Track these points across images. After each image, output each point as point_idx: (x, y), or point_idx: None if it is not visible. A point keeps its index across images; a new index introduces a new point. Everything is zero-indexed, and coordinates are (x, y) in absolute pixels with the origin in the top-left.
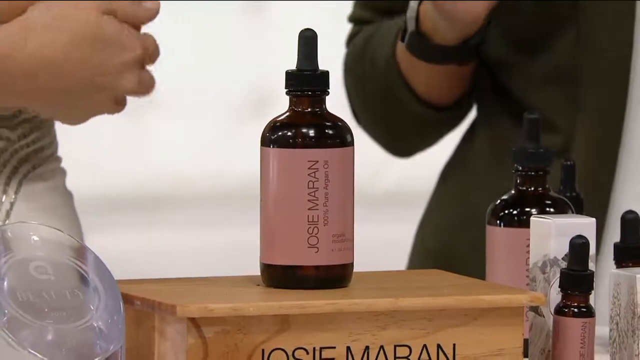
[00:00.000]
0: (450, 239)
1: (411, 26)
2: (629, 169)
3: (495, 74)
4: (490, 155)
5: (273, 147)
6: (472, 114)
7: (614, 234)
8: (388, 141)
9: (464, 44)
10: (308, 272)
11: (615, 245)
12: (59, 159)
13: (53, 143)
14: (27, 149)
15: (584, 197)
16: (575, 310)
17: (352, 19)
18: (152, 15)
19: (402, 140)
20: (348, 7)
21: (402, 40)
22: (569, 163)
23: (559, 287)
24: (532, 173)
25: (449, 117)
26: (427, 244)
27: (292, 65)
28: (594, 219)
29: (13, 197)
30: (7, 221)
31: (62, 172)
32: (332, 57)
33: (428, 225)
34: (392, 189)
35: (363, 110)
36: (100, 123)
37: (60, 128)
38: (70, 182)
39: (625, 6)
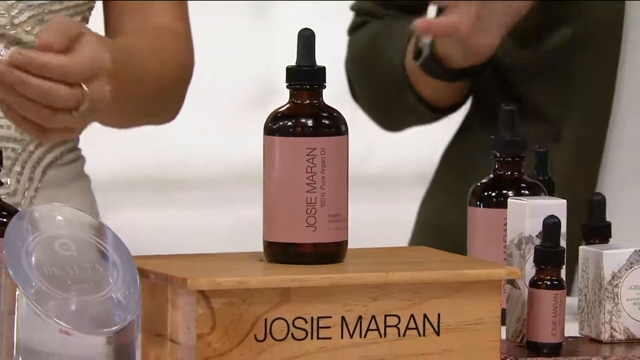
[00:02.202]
0: (448, 217)
1: (426, 51)
2: (615, 157)
3: (495, 65)
4: (486, 142)
5: (275, 135)
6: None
7: None
8: (384, 122)
9: (472, 67)
10: (306, 249)
11: (583, 225)
12: (79, 149)
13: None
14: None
15: (572, 181)
16: (548, 283)
17: (355, 8)
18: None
19: (399, 123)
20: (344, 9)
21: (415, 58)
22: (541, 150)
23: (533, 262)
24: (509, 159)
25: (449, 113)
26: (427, 220)
27: (293, 61)
28: (564, 201)
29: (37, 184)
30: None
31: (82, 160)
32: (329, 54)
33: (429, 203)
34: (381, 172)
35: (365, 97)
36: None
37: None
38: (91, 165)
39: (616, 7)
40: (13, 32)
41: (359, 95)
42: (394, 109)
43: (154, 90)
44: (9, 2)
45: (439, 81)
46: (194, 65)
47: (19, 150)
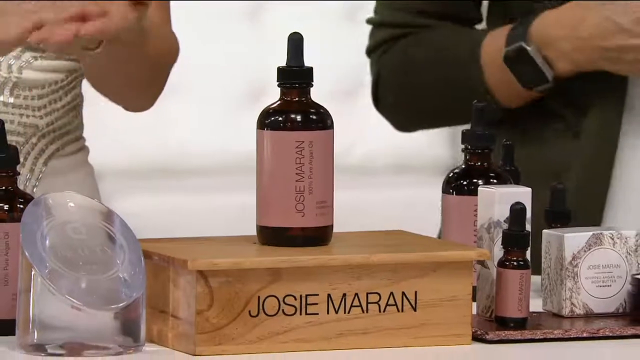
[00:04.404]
0: None
1: (549, 75)
2: (621, 188)
3: None
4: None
5: (267, 129)
6: None
7: None
8: (409, 126)
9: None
10: (296, 233)
11: (546, 210)
12: (83, 139)
13: (79, 127)
14: (53, 134)
15: (579, 209)
16: (515, 263)
17: (381, 22)
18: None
19: (424, 126)
20: (337, 11)
21: (519, 78)
22: (508, 143)
23: (502, 244)
24: (479, 151)
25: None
26: None
27: (283, 62)
28: (529, 189)
29: (39, 175)
30: None
31: (86, 150)
32: (319, 55)
33: None
34: (361, 163)
35: (409, 106)
36: None
37: (87, 111)
38: (100, 155)
39: None
40: None
41: (401, 103)
42: (441, 111)
43: (147, 66)
44: None
45: (520, 89)
46: (179, 52)
47: (22, 143)
